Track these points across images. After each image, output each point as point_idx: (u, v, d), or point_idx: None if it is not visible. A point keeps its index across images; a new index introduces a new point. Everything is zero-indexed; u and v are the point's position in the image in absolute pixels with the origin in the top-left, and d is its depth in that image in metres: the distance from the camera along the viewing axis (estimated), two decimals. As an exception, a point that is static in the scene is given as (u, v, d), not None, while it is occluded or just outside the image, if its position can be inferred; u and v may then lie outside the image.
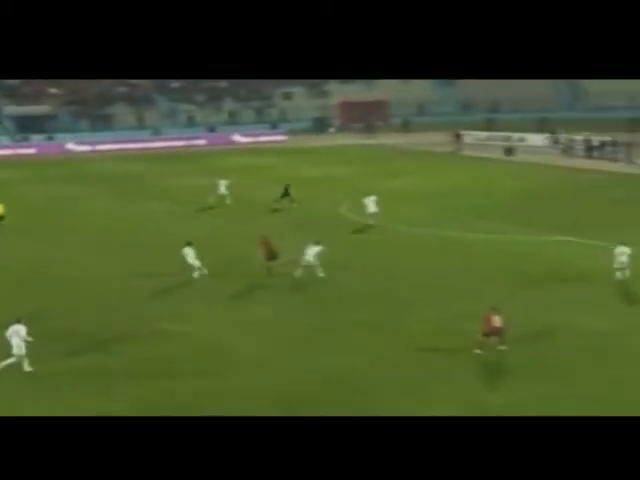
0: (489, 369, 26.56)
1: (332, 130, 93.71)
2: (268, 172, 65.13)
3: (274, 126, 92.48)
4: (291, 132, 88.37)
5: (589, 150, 70.86)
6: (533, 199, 52.96)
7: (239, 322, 31.18)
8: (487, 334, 27.64)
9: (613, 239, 40.87)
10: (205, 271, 36.19)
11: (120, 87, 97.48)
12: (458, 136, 77.96)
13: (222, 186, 52.29)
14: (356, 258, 38.45)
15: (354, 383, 25.63)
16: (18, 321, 26.60)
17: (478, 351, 27.69)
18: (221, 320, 31.46)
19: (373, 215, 45.54)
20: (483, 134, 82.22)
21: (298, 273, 35.69)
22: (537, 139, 78.71)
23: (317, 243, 35.82)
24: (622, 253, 35.13)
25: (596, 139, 70.90)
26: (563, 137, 74.17)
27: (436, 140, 79.08)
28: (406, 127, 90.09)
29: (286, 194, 50.68)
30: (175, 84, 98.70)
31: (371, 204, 45.61)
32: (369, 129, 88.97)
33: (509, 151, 73.32)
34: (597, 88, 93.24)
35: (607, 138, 70.45)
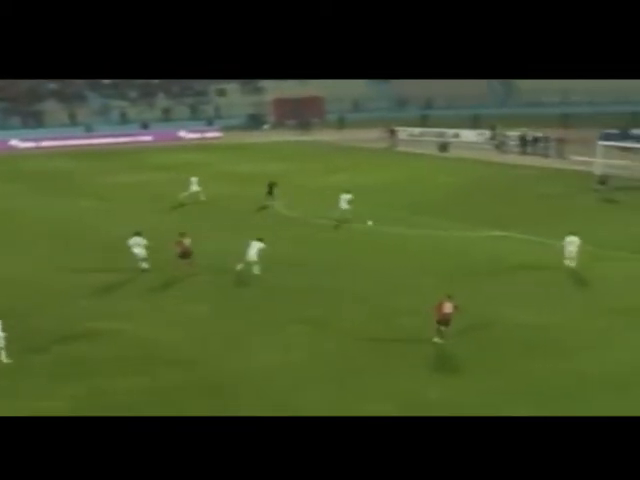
0: (424, 364, 26.80)
1: (267, 127, 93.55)
2: (203, 169, 64.74)
3: (210, 123, 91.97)
4: (226, 129, 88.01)
5: (522, 146, 71.80)
6: (468, 195, 53.52)
7: (175, 320, 31.05)
8: (439, 321, 28.02)
9: (547, 234, 41.64)
10: (147, 265, 36.09)
11: (51, 84, 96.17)
12: (393, 132, 78.41)
13: (194, 184, 52.04)
14: (292, 254, 38.50)
15: (290, 379, 25.71)
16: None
17: (437, 339, 28.06)
18: (157, 318, 31.31)
19: (345, 212, 45.46)
20: (417, 130, 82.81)
21: (239, 267, 35.69)
22: (471, 135, 79.51)
23: (259, 240, 35.84)
24: (571, 243, 36.25)
25: (529, 135, 71.88)
26: (499, 133, 74.89)
27: (371, 136, 79.46)
28: (341, 123, 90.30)
29: (270, 192, 50.06)
30: (107, 80, 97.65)
31: (343, 202, 45.57)
32: (304, 126, 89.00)
33: (443, 147, 73.96)
34: (529, 84, 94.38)
35: (539, 134, 71.46)
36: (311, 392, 24.68)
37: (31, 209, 51.68)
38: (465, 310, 28.65)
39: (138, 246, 36.23)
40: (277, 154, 72.57)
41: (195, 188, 52.03)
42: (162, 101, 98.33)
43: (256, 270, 35.65)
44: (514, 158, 69.11)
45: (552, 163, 66.29)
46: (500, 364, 26.85)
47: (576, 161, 65.06)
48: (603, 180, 53.39)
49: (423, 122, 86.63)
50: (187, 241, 36.57)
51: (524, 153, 71.01)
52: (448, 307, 27.99)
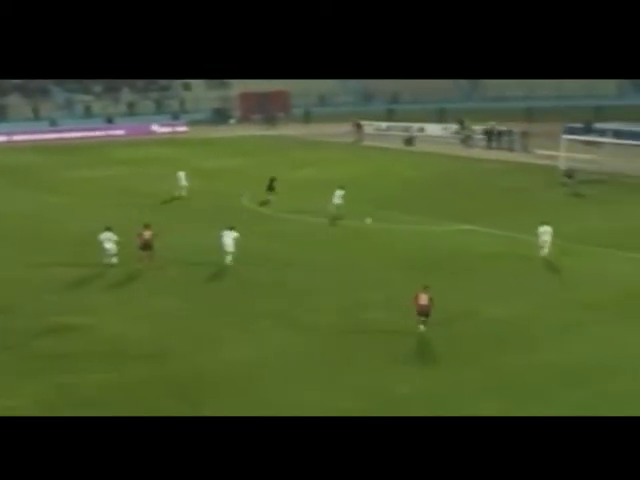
0: (394, 358, 26.93)
1: (233, 121, 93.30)
2: (170, 164, 64.55)
3: (176, 117, 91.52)
4: (191, 123, 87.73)
5: (488, 140, 72.19)
6: (434, 189, 53.78)
7: (143, 314, 31.01)
8: (419, 313, 28.55)
9: (513, 227, 42.00)
10: (115, 261, 36.05)
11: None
12: (359, 126, 78.52)
13: (182, 179, 51.75)
14: (259, 249, 38.51)
15: (257, 375, 25.75)
16: None
17: (421, 327, 28.56)
18: (124, 312, 31.24)
19: (338, 207, 45.34)
20: (383, 124, 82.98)
21: (228, 260, 36.22)
22: (436, 129, 79.84)
23: (231, 229, 36.43)
24: (545, 232, 37.20)
25: (495, 128, 72.24)
26: (467, 127, 75.09)
27: (337, 131, 79.53)
28: (307, 118, 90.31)
29: (271, 187, 49.93)
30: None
31: (337, 198, 45.47)
32: (270, 120, 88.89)
33: (409, 141, 74.20)
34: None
35: (504, 128, 71.87)
36: (281, 387, 24.74)
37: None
38: (433, 304, 28.86)
39: (109, 241, 36.17)
40: (243, 149, 72.46)
41: (184, 183, 51.75)
42: (127, 95, 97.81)
43: (229, 261, 36.13)
44: (479, 152, 69.48)
45: (517, 157, 66.74)
46: (468, 357, 27.04)
47: (541, 155, 65.55)
48: (570, 174, 53.77)
49: (389, 116, 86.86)
50: (147, 233, 36.61)
51: (489, 147, 71.43)
52: (424, 298, 28.48)
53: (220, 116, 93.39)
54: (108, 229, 36.46)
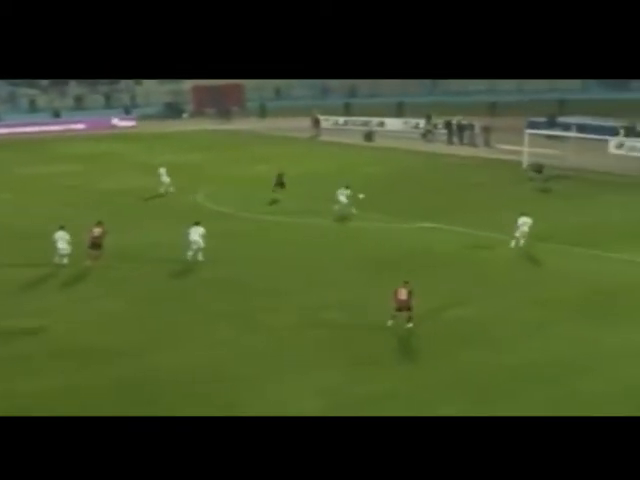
0: (353, 358, 27.04)
1: (185, 115, 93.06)
2: (119, 159, 64.30)
3: (128, 111, 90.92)
4: (142, 118, 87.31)
5: (449, 134, 72.57)
6: (395, 185, 53.99)
7: (93, 316, 30.84)
8: (398, 308, 28.88)
9: (476, 224, 42.30)
10: (66, 261, 35.84)
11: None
12: (316, 121, 78.55)
13: (163, 175, 51.34)
14: (216, 247, 38.37)
15: (215, 377, 25.74)
16: None
17: (390, 322, 28.97)
18: (73, 314, 31.09)
19: (345, 206, 44.97)
20: (342, 119, 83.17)
21: (198, 257, 36.60)
22: (397, 124, 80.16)
23: (197, 224, 36.90)
24: (524, 223, 38.21)
25: (455, 123, 72.66)
26: (432, 121, 75.33)
27: (294, 125, 79.55)
28: (263, 112, 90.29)
29: (280, 182, 49.61)
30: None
31: (342, 196, 45.18)
32: (224, 114, 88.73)
33: (369, 136, 74.40)
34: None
35: (466, 122, 72.28)
36: (237, 389, 24.75)
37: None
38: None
39: (62, 240, 35.97)
40: (197, 144, 72.30)
41: (166, 179, 51.41)
42: (74, 89, 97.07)
43: (199, 257, 36.55)
44: (440, 147, 69.87)
45: (479, 152, 67.19)
46: (432, 357, 27.25)
47: (504, 150, 66.07)
48: (538, 168, 54.01)
49: (347, 110, 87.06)
50: (97, 231, 36.56)
51: (450, 142, 71.83)
52: (403, 293, 28.87)
53: (172, 110, 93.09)
54: (62, 228, 36.26)
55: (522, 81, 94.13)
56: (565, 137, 63.92)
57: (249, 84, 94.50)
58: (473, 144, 70.48)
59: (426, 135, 74.39)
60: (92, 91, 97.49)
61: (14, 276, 35.13)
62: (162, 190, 50.80)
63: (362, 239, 41.37)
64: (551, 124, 72.72)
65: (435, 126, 74.74)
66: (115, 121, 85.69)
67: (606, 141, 65.19)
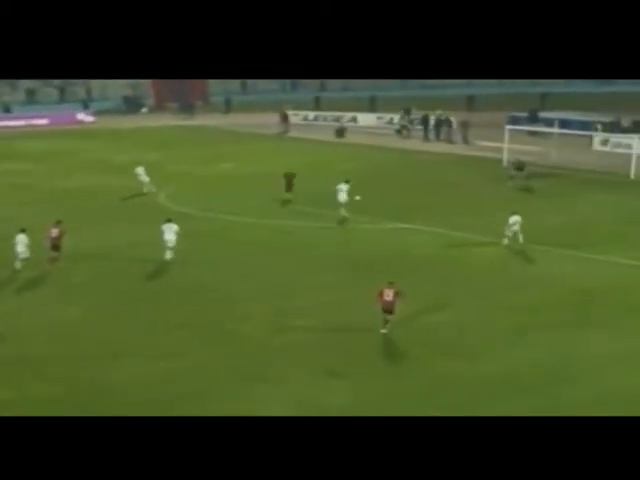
0: (326, 368, 27.20)
1: (145, 110, 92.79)
2: (75, 158, 64.09)
3: (86, 106, 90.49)
4: (99, 112, 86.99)
5: (424, 131, 72.80)
6: (369, 184, 54.04)
7: (47, 323, 30.82)
8: (384, 310, 29.12)
9: (455, 225, 42.61)
10: (19, 266, 35.84)
11: None
12: (285, 116, 78.64)
13: (142, 175, 51.23)
14: (179, 250, 38.39)
15: (177, 389, 25.77)
16: None
17: (384, 330, 29.13)
18: (28, 322, 31.03)
19: (344, 204, 44.86)
20: (312, 114, 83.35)
21: (168, 256, 37.00)
22: (370, 119, 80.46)
23: (169, 220, 37.47)
24: (515, 222, 39.25)
25: (434, 119, 72.92)
26: (411, 116, 75.50)
27: (261, 121, 79.59)
28: (228, 107, 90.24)
29: (290, 184, 49.27)
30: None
31: (342, 193, 44.99)
32: (187, 109, 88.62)
33: (340, 132, 74.58)
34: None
35: (443, 117, 72.59)
36: (202, 404, 24.75)
37: None
38: (364, 310, 29.25)
39: (21, 244, 35.90)
40: (158, 141, 72.14)
41: (144, 178, 51.35)
42: (25, 82, 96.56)
43: (169, 255, 37.13)
44: (415, 144, 70.13)
45: (457, 149, 67.54)
46: (409, 365, 27.49)
47: (483, 147, 66.48)
48: (520, 166, 54.13)
49: (317, 105, 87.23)
50: (55, 231, 36.70)
51: (426, 139, 72.13)
52: (388, 294, 29.02)
53: (131, 104, 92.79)
54: (22, 231, 36.21)
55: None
56: (547, 133, 64.50)
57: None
58: (450, 140, 70.82)
59: (401, 131, 74.69)
60: (45, 84, 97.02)
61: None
62: (145, 190, 50.92)
63: (333, 240, 41.56)
64: (533, 119, 73.33)
65: (411, 122, 75.04)
66: (81, 116, 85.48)
67: (590, 137, 65.83)
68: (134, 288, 34.72)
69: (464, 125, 70.69)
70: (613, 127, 69.46)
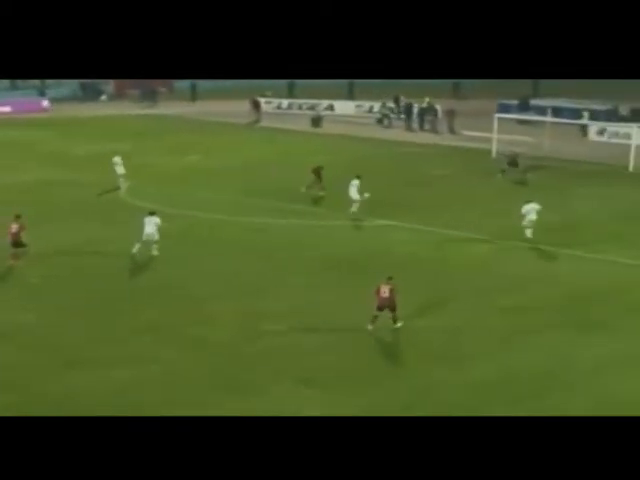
0: (299, 376, 27.01)
1: (104, 97, 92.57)
2: (29, 149, 63.70)
3: (42, 93, 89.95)
4: (54, 100, 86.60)
5: (408, 120, 72.80)
6: (346, 178, 53.98)
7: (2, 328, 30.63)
8: (379, 307, 29.54)
9: (442, 223, 42.59)
10: None
11: None
12: (256, 104, 78.51)
13: (118, 164, 50.83)
14: (140, 249, 38.15)
15: (141, 397, 25.54)
16: None
17: (370, 327, 29.51)
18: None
19: (355, 201, 44.58)
20: (286, 102, 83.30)
21: (136, 249, 37.14)
22: (348, 107, 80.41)
23: (152, 214, 37.87)
24: (531, 210, 39.59)
25: (415, 107, 72.93)
26: (400, 104, 75.45)
27: (230, 109, 79.43)
28: (194, 94, 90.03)
29: (318, 178, 49.13)
30: None
31: (353, 188, 44.76)
32: (149, 96, 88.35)
33: (316, 121, 74.49)
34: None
35: (426, 105, 72.55)
36: (167, 410, 24.55)
37: None
38: (343, 312, 29.13)
39: None
40: (118, 131, 71.85)
41: (121, 170, 50.97)
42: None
43: (155, 250, 37.48)
44: (398, 134, 70.15)
45: (442, 140, 67.58)
46: (393, 373, 27.34)
47: (470, 137, 66.53)
48: (513, 161, 53.57)
49: (291, 92, 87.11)
50: (14, 227, 36.76)
51: (409, 128, 72.11)
52: (384, 291, 29.53)
53: (89, 91, 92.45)
54: None
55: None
56: (540, 122, 64.56)
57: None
58: (435, 130, 70.88)
59: (382, 120, 74.65)
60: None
61: None
62: (120, 182, 50.66)
63: (309, 238, 41.37)
64: (524, 107, 73.44)
65: (393, 110, 74.99)
66: (45, 104, 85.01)
67: (585, 126, 65.96)
68: (93, 289, 34.43)
69: (450, 114, 70.76)
70: (610, 115, 69.65)
